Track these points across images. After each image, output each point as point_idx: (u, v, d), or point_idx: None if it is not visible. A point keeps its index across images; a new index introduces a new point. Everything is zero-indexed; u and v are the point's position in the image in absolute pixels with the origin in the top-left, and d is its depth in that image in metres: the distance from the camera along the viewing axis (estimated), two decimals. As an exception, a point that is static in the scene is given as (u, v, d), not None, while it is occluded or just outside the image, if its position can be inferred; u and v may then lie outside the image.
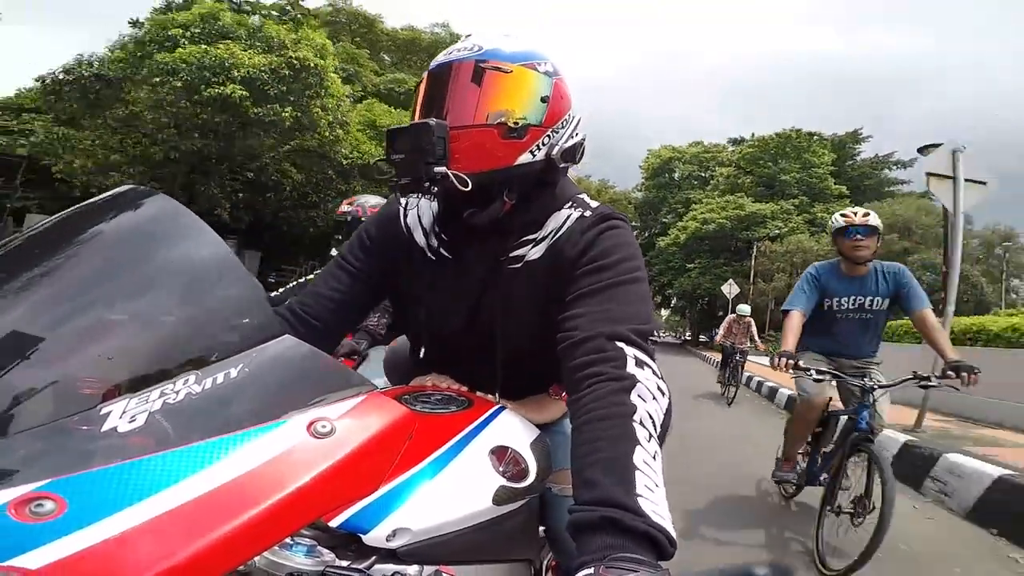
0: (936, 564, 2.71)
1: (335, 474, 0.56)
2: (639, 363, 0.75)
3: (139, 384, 0.53)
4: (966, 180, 5.25)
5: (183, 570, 0.43)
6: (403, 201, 1.01)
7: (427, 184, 0.83)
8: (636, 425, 0.69)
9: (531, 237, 0.92)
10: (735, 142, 37.17)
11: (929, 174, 5.38)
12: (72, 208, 0.64)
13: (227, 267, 0.62)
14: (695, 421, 6.32)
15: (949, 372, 2.45)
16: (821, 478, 2.95)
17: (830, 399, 2.97)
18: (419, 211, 0.99)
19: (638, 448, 0.67)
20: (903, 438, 4.50)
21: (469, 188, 0.82)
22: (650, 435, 0.69)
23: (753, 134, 35.51)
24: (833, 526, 2.57)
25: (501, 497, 0.72)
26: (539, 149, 0.89)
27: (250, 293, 0.62)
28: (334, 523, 0.58)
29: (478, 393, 0.94)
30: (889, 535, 2.21)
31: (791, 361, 2.55)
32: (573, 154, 0.94)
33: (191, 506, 0.46)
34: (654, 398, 0.73)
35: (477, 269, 0.93)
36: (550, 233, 0.91)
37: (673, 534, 0.62)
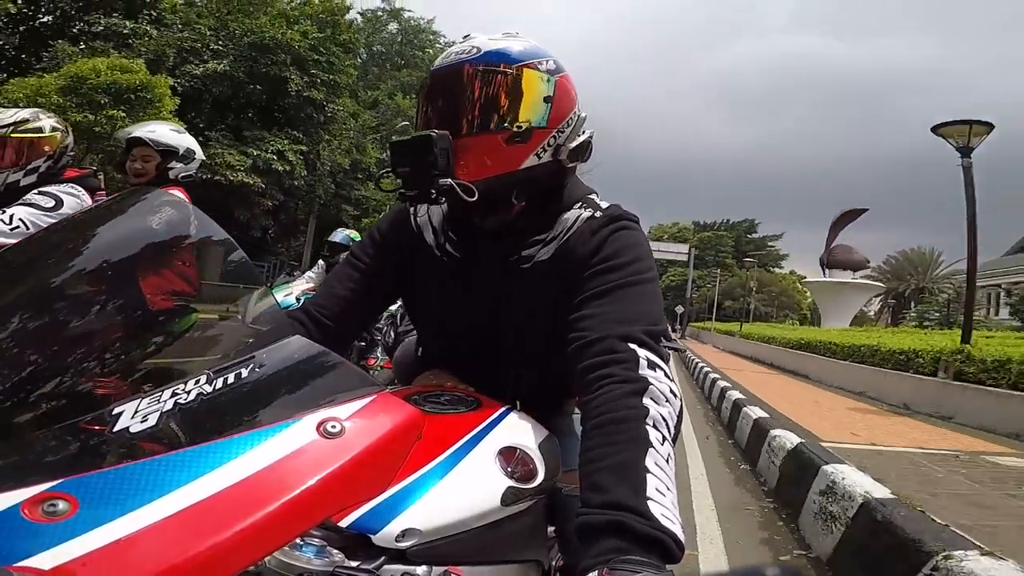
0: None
1: (345, 474, 0.56)
2: (651, 365, 0.74)
3: (151, 384, 0.53)
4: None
5: (194, 570, 0.43)
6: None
7: (434, 195, 0.82)
8: (649, 428, 0.68)
9: (540, 237, 0.90)
10: (697, 223, 66.46)
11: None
12: (85, 209, 0.65)
13: (238, 269, 0.62)
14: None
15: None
16: None
17: None
18: (429, 211, 0.98)
19: (650, 451, 0.66)
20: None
21: (475, 198, 0.81)
22: (663, 438, 0.69)
23: (703, 221, 64.74)
24: None
25: (509, 498, 0.71)
26: (545, 151, 0.87)
27: (261, 294, 0.63)
28: (344, 523, 0.58)
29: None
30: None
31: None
32: (580, 153, 0.92)
33: (202, 506, 0.46)
34: (667, 400, 0.72)
35: (486, 269, 0.93)
36: (560, 233, 0.90)
37: (681, 537, 0.62)
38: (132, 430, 0.50)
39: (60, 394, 0.50)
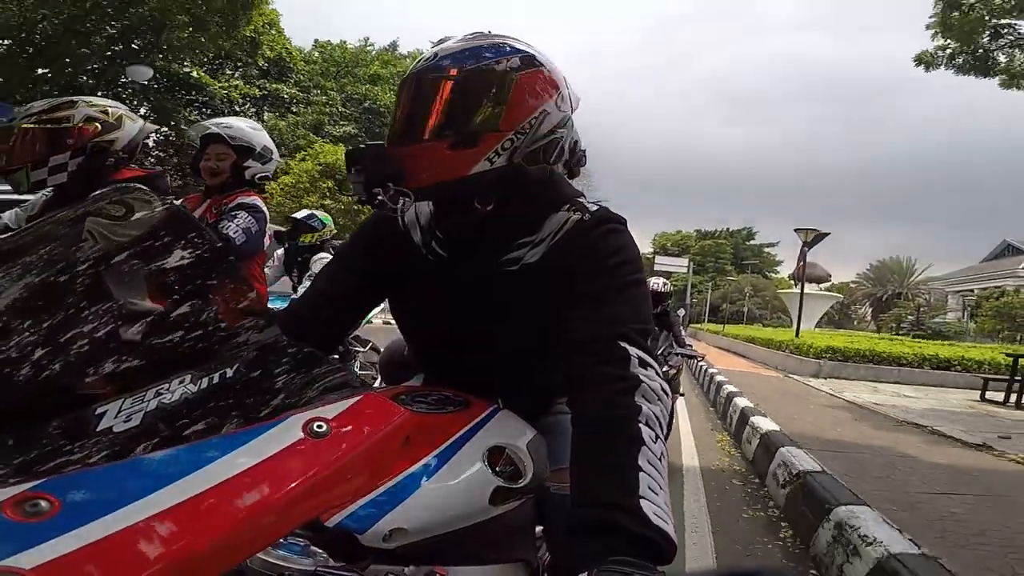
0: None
1: (331, 474, 0.56)
2: (642, 363, 0.75)
3: (134, 384, 0.53)
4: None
5: (177, 570, 0.43)
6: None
7: (378, 200, 0.83)
8: (641, 426, 0.69)
9: (528, 239, 0.89)
10: (698, 231, 69.41)
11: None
12: (68, 207, 0.64)
13: (224, 268, 0.62)
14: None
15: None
16: None
17: None
18: (416, 210, 0.97)
19: (643, 449, 0.67)
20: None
21: (413, 201, 0.84)
22: (655, 436, 0.69)
23: (704, 229, 67.22)
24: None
25: (497, 497, 0.71)
26: (499, 155, 0.83)
27: (247, 294, 0.62)
28: (331, 523, 0.58)
29: None
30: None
31: None
32: (545, 155, 0.88)
33: (186, 506, 0.46)
34: (658, 398, 0.73)
35: (473, 271, 0.92)
36: (548, 235, 0.89)
37: (673, 536, 0.62)
38: (115, 430, 0.49)
39: (42, 393, 0.49)
